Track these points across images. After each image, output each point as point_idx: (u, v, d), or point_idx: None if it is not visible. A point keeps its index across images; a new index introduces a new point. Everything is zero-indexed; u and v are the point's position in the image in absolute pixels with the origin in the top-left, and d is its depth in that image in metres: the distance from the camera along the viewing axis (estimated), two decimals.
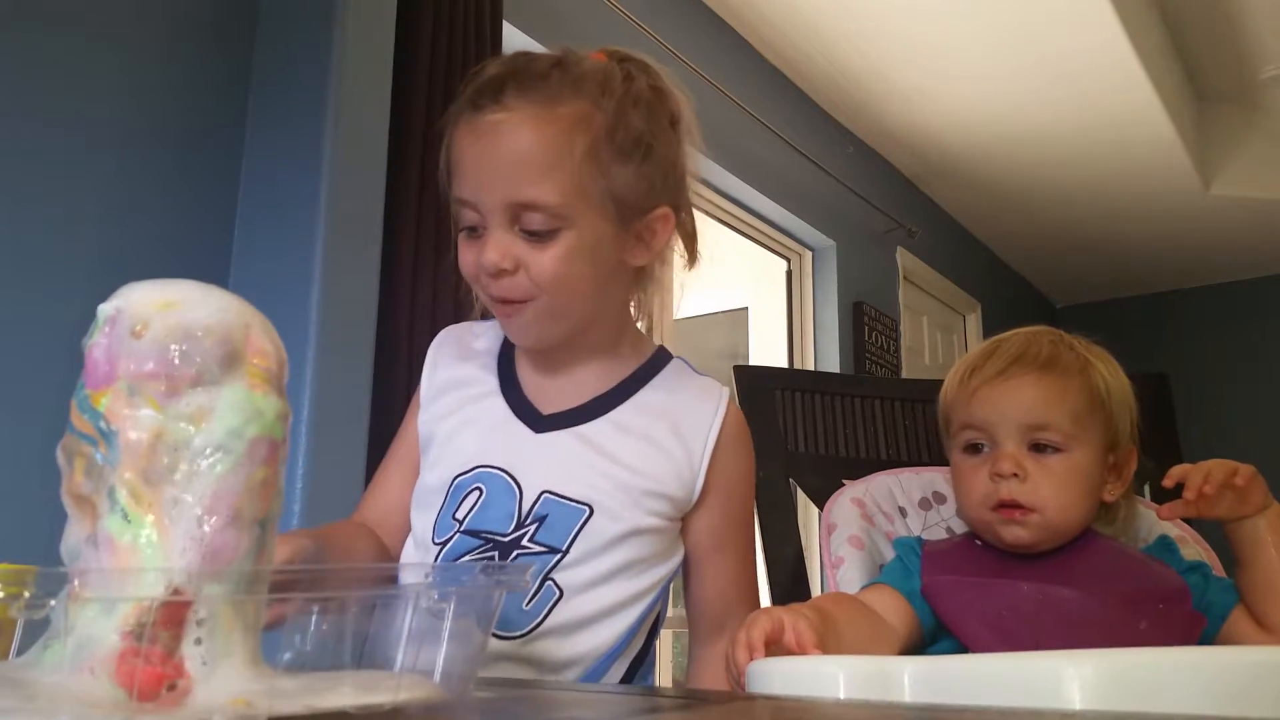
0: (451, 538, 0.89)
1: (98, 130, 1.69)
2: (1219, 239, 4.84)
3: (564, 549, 0.88)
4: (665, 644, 2.99)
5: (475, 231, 0.88)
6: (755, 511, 1.02)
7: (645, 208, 0.91)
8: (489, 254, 0.85)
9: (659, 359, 0.99)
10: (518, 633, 0.86)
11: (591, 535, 0.88)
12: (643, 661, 0.94)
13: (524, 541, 0.88)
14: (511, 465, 0.90)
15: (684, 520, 0.94)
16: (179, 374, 0.46)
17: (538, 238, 0.85)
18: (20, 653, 0.44)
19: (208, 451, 0.46)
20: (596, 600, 0.88)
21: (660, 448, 0.92)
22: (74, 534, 0.46)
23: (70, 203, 1.65)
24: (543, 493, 0.89)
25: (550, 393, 0.94)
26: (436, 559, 0.89)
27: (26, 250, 1.58)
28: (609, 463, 0.90)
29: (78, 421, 0.46)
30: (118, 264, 1.68)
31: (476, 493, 0.90)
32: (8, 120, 1.57)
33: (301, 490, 1.68)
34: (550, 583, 0.87)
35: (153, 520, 0.45)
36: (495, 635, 0.86)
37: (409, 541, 0.96)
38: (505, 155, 0.85)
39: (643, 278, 0.97)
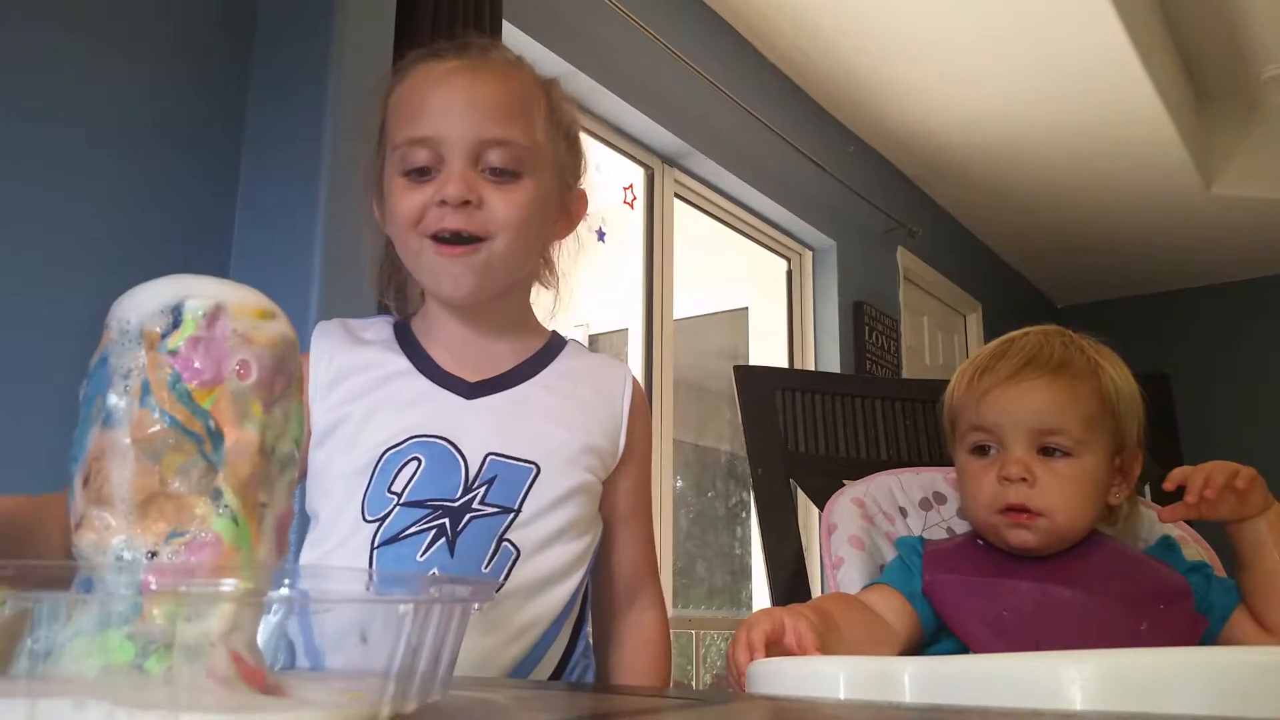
0: (390, 511, 0.87)
1: (98, 128, 1.69)
2: (1219, 239, 4.84)
3: (516, 508, 0.88)
4: None
5: (424, 174, 0.88)
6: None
7: (572, 184, 0.96)
8: (453, 186, 0.86)
9: (559, 339, 1.01)
10: None
11: (540, 493, 0.89)
12: (582, 625, 0.96)
13: (474, 504, 0.87)
14: (449, 432, 0.89)
15: (605, 484, 0.96)
16: (277, 384, 0.48)
17: (500, 178, 0.87)
18: (12, 654, 0.43)
19: (284, 460, 0.48)
20: (550, 560, 0.89)
21: (587, 406, 0.95)
22: (119, 529, 0.45)
23: (70, 201, 1.65)
24: (488, 455, 0.88)
25: (470, 366, 0.94)
26: (374, 537, 0.86)
27: (27, 248, 1.58)
28: (545, 421, 0.92)
29: (179, 415, 0.45)
30: (118, 262, 1.68)
31: (415, 463, 0.88)
32: (8, 118, 1.57)
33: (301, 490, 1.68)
34: (507, 543, 0.87)
35: (253, 524, 0.46)
36: None
37: (309, 539, 0.92)
38: (479, 94, 0.88)
39: (550, 255, 0.99)
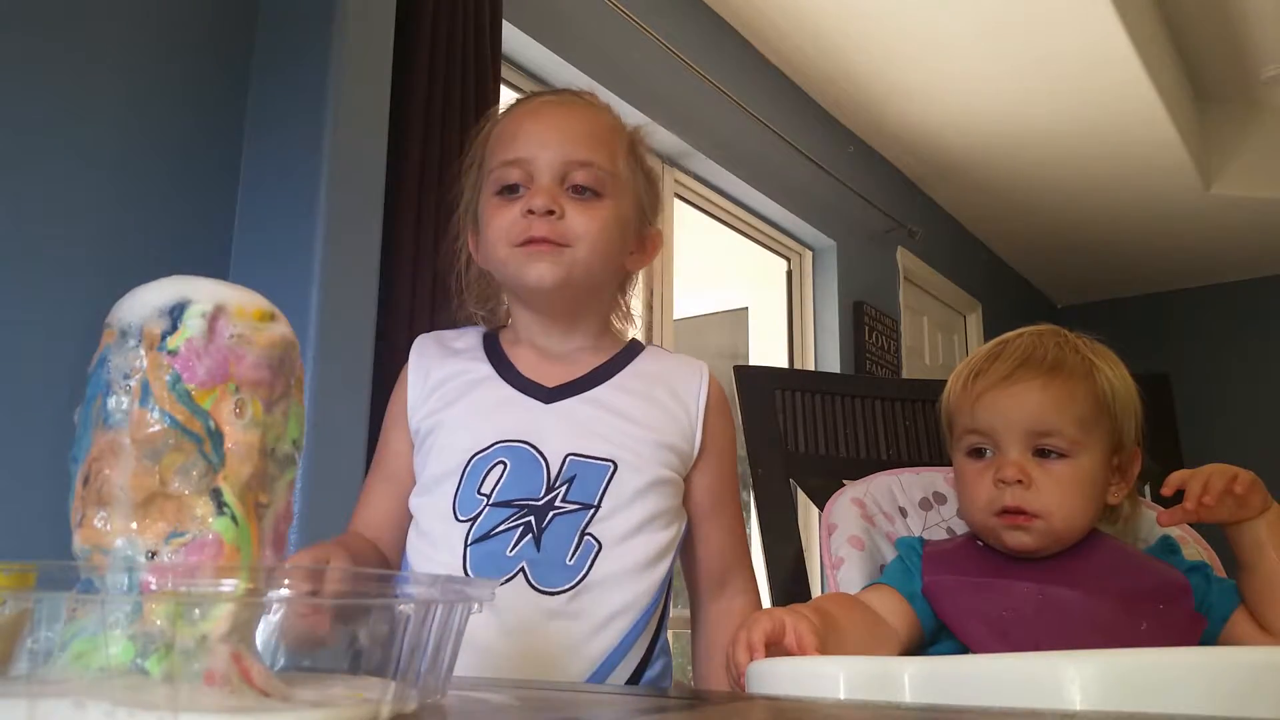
0: (481, 512, 0.93)
1: (98, 130, 1.70)
2: (1219, 239, 4.84)
3: (596, 504, 0.94)
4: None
5: (514, 191, 0.97)
6: (738, 480, 1.07)
7: (649, 220, 1.05)
8: (539, 198, 0.95)
9: (636, 344, 1.07)
10: (562, 588, 0.91)
11: (619, 488, 0.94)
12: (664, 620, 1.00)
13: (557, 502, 0.93)
14: (530, 435, 0.95)
15: (685, 481, 1.01)
16: (277, 384, 0.48)
17: (583, 196, 0.97)
18: (12, 654, 0.43)
19: (284, 460, 0.49)
20: (633, 552, 0.94)
21: (662, 406, 1.00)
22: (119, 529, 0.45)
23: (71, 203, 1.65)
24: (567, 455, 0.94)
25: (548, 371, 1.00)
26: (468, 535, 0.93)
27: (27, 250, 1.58)
28: (622, 420, 0.97)
29: (180, 415, 0.45)
30: (118, 263, 1.68)
31: (501, 466, 0.94)
32: (8, 120, 1.57)
33: (301, 490, 1.68)
34: (589, 537, 0.93)
35: (253, 524, 0.46)
36: (542, 592, 0.91)
37: (413, 533, 0.99)
38: (568, 122, 1.00)
39: (627, 285, 1.07)
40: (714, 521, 1.02)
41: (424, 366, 1.02)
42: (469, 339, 1.05)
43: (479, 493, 0.94)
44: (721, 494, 1.03)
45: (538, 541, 0.92)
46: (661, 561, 0.96)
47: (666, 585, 0.98)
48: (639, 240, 1.04)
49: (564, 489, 0.94)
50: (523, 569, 0.91)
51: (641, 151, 1.05)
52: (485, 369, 1.00)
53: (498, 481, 0.94)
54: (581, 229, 0.95)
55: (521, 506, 0.93)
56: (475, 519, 0.93)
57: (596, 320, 1.03)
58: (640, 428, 0.97)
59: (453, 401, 0.99)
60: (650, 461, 0.96)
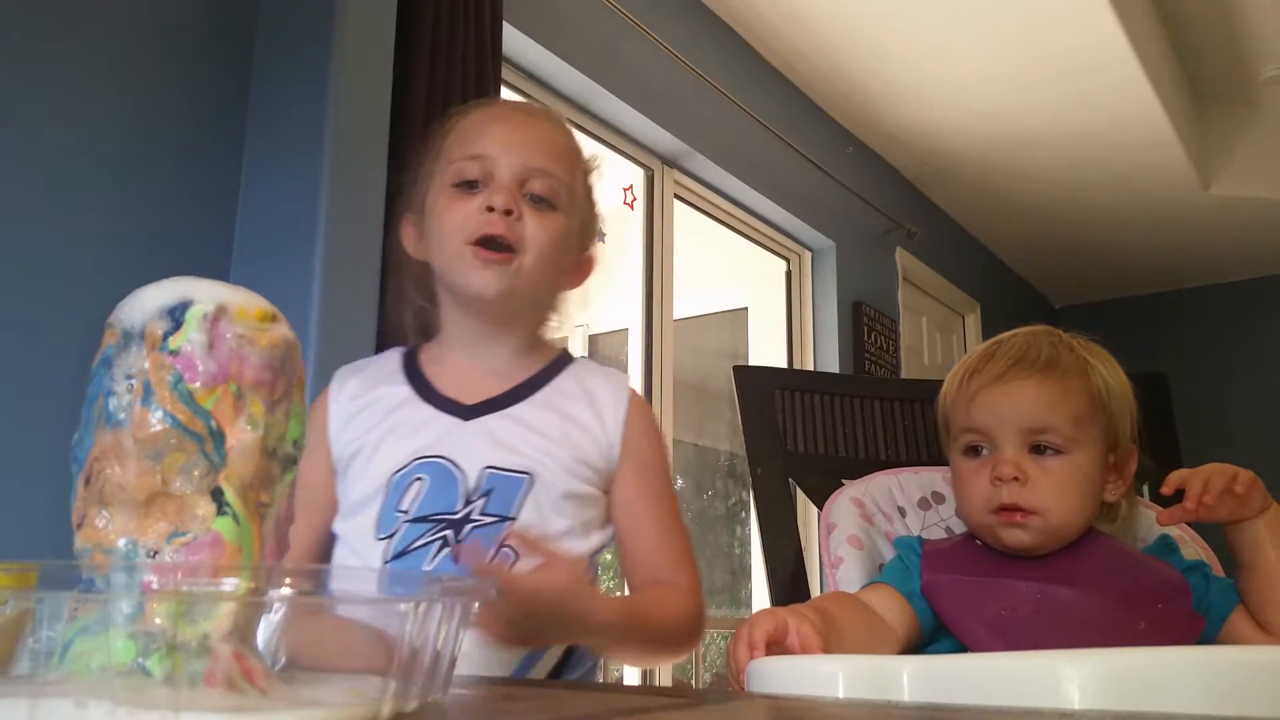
0: (398, 529, 0.95)
1: (98, 131, 1.70)
2: (1218, 239, 4.84)
3: (513, 515, 0.94)
4: None
5: (473, 187, 0.98)
6: (672, 488, 1.07)
7: (587, 243, 1.07)
8: (500, 196, 0.96)
9: (566, 356, 1.07)
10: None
11: (536, 499, 0.95)
12: None
13: (474, 515, 0.94)
14: (448, 451, 0.96)
15: (608, 494, 1.02)
16: (278, 385, 0.48)
17: (540, 206, 0.98)
18: (14, 653, 0.43)
19: (285, 460, 0.49)
20: None
21: (580, 424, 1.00)
22: (121, 528, 0.45)
23: (71, 203, 1.65)
24: (485, 468, 0.95)
25: (470, 389, 1.01)
26: (386, 552, 0.94)
27: (27, 251, 1.58)
28: (539, 437, 0.98)
29: (181, 415, 0.46)
30: (119, 264, 1.68)
31: (419, 482, 0.95)
32: (8, 120, 1.58)
33: None
34: (506, 549, 0.93)
35: (254, 524, 0.46)
36: None
37: (343, 554, 0.99)
38: (533, 131, 1.01)
39: (559, 303, 1.08)
40: (636, 532, 1.02)
41: (343, 394, 1.03)
42: (389, 363, 1.06)
43: (398, 510, 0.95)
44: (646, 506, 1.02)
45: (455, 555, 0.93)
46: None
47: None
48: (576, 261, 1.06)
49: (481, 502, 0.94)
50: None
51: (593, 179, 1.08)
52: (404, 391, 1.01)
53: (416, 497, 0.95)
54: (533, 236, 0.97)
55: (439, 521, 0.94)
56: (393, 535, 0.94)
57: (526, 332, 1.04)
58: (556, 444, 0.98)
59: (373, 426, 1.00)
60: (567, 474, 0.97)
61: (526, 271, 0.97)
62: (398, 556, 0.93)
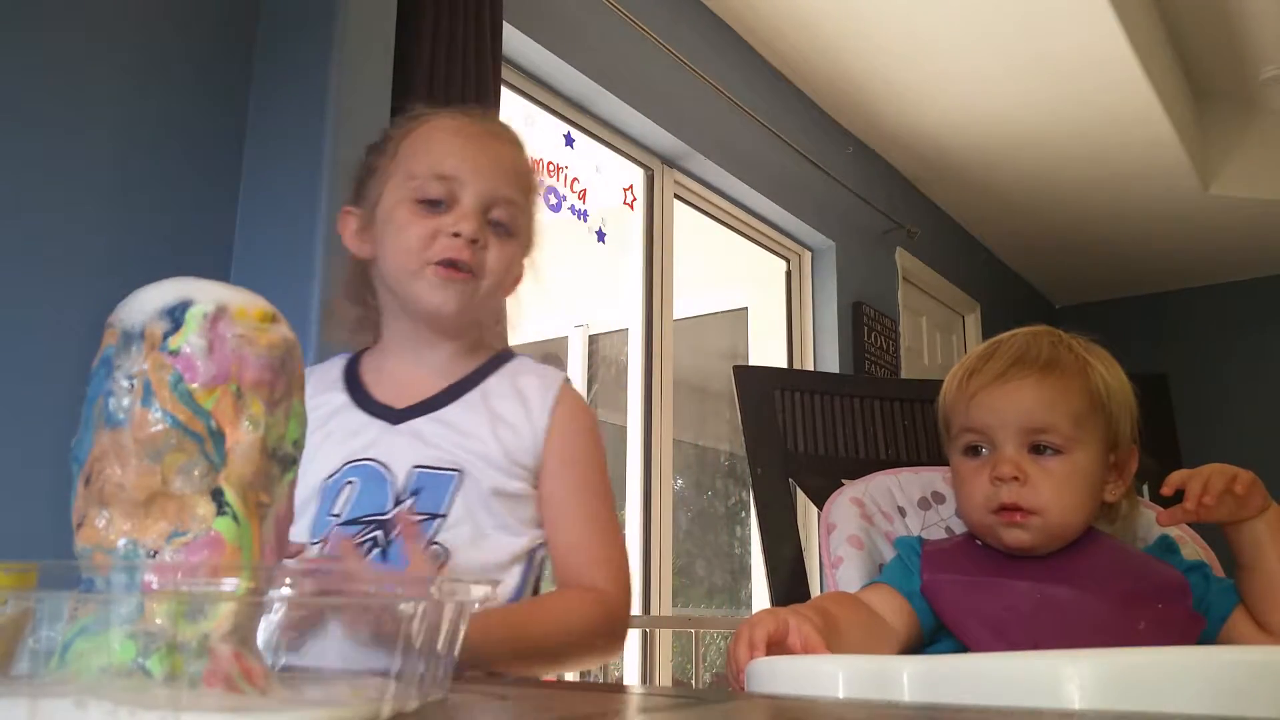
0: (330, 533, 0.95)
1: (99, 131, 1.70)
2: (1218, 239, 4.84)
3: (444, 511, 0.95)
4: (665, 643, 2.99)
5: (435, 206, 0.99)
6: (605, 485, 1.06)
7: (526, 252, 1.09)
8: (468, 224, 0.98)
9: (505, 354, 1.09)
10: None
11: (466, 495, 0.96)
12: None
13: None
14: (379, 455, 0.97)
15: (540, 491, 1.02)
16: (279, 385, 0.48)
17: (500, 231, 1.01)
18: (14, 653, 0.43)
19: (285, 461, 0.49)
20: (480, 557, 0.96)
21: (508, 422, 1.01)
22: (121, 528, 0.45)
23: (71, 203, 1.65)
24: (414, 467, 0.97)
25: (404, 392, 1.02)
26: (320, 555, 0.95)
27: (29, 251, 1.58)
28: (467, 438, 0.99)
29: (181, 415, 0.46)
30: (119, 264, 1.68)
31: (349, 486, 0.97)
32: (9, 121, 1.57)
33: None
34: (436, 545, 0.94)
35: (254, 524, 0.46)
36: None
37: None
38: (503, 156, 1.03)
39: (500, 310, 1.11)
40: (557, 529, 1.02)
41: None
42: (332, 371, 1.07)
43: (330, 514, 0.96)
44: (568, 503, 1.02)
45: (384, 554, 0.93)
46: (513, 568, 0.98)
47: (522, 592, 0.99)
48: (516, 275, 1.08)
49: (411, 500, 0.95)
50: None
51: (539, 194, 1.10)
52: (341, 399, 1.03)
53: (347, 500, 0.96)
54: (493, 264, 1.00)
55: (369, 522, 0.95)
56: (323, 542, 0.95)
57: (468, 342, 1.05)
58: (485, 443, 0.98)
59: (311, 433, 1.00)
60: (495, 473, 0.98)
61: (483, 294, 1.00)
62: (330, 559, 0.94)
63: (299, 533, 0.95)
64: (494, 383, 1.04)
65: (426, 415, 1.00)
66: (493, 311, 1.07)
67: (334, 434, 1.00)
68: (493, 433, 0.99)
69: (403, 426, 0.99)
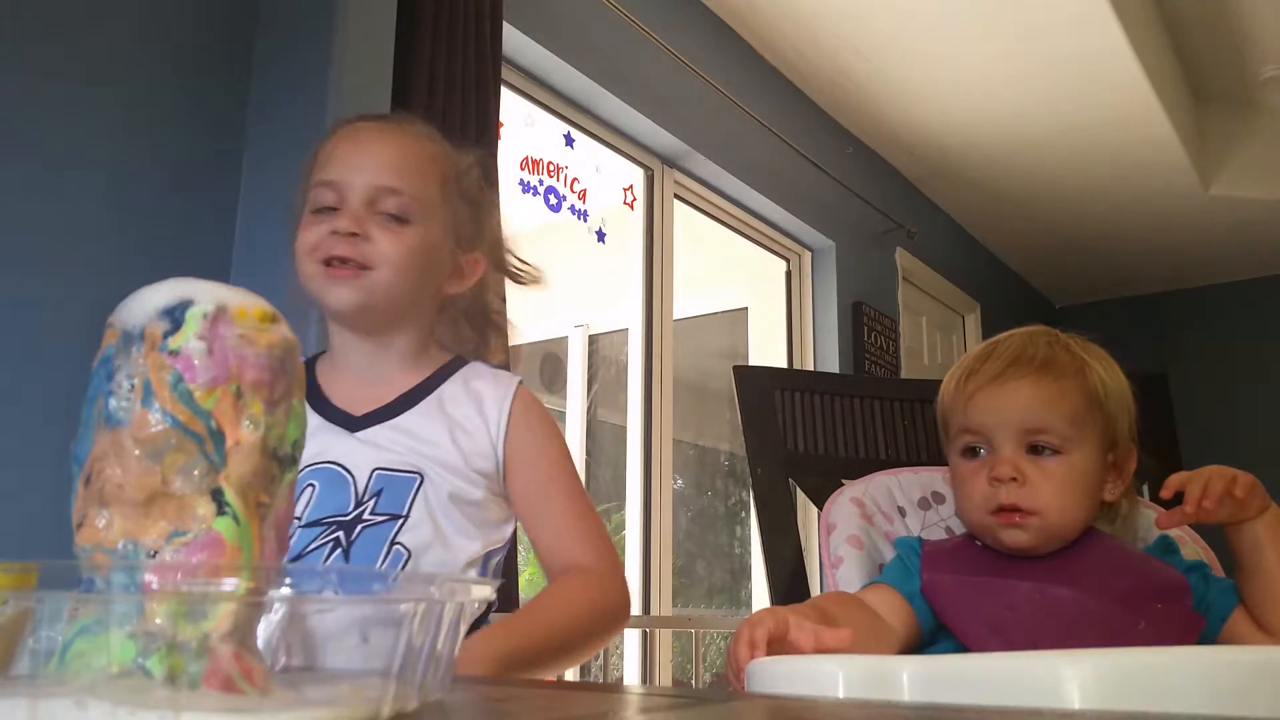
0: (292, 535, 0.95)
1: (98, 131, 1.70)
2: (1219, 239, 4.84)
3: (405, 513, 0.96)
4: (665, 643, 2.99)
5: (328, 212, 1.00)
6: (572, 472, 1.06)
7: (468, 247, 1.08)
8: (344, 219, 0.99)
9: (457, 362, 1.09)
10: None
11: (427, 497, 0.97)
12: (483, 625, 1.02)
13: (365, 515, 0.96)
14: (339, 458, 0.98)
15: (508, 491, 1.04)
16: (279, 385, 0.48)
17: (391, 222, 1.00)
18: (14, 654, 0.43)
19: (285, 461, 0.49)
20: (442, 557, 0.97)
21: (465, 429, 1.02)
22: (121, 529, 0.45)
23: (71, 204, 1.65)
24: (374, 470, 0.98)
25: (358, 399, 1.03)
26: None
27: (28, 251, 1.58)
28: (426, 445, 1.00)
29: (181, 415, 0.45)
30: (118, 264, 1.68)
31: (310, 489, 0.97)
32: (9, 120, 1.58)
33: None
34: (399, 546, 0.96)
35: (254, 524, 0.46)
36: None
37: None
38: (382, 151, 1.03)
39: (449, 309, 1.10)
40: (538, 527, 1.04)
41: None
42: None
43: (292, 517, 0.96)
44: (539, 498, 1.03)
45: (347, 554, 0.94)
46: (469, 572, 0.99)
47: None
48: (454, 265, 1.07)
49: (373, 502, 0.96)
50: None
51: (465, 183, 1.08)
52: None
53: (308, 503, 0.96)
54: (383, 252, 0.99)
55: (330, 523, 0.96)
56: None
57: (409, 342, 1.05)
58: (443, 450, 1.00)
59: None
60: (453, 478, 0.99)
61: (382, 285, 0.99)
62: (292, 561, 0.94)
63: None
64: (449, 389, 1.04)
65: (384, 423, 1.01)
66: (419, 305, 1.05)
67: None
68: (451, 439, 1.00)
69: (361, 434, 1.00)
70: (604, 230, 3.13)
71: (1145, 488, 1.21)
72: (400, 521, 0.96)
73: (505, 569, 1.12)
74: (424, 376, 1.05)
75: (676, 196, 3.22)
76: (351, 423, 1.01)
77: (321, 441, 0.99)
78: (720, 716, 0.47)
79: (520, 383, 1.06)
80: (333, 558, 0.94)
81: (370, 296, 0.99)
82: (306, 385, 1.02)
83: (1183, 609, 0.94)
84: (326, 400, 1.03)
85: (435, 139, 1.09)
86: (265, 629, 0.46)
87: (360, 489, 0.97)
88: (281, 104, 1.91)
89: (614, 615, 1.00)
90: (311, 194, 1.02)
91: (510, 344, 1.19)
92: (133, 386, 0.46)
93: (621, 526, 3.11)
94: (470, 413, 1.03)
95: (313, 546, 0.95)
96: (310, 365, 1.07)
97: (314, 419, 1.00)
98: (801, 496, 1.26)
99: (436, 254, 1.04)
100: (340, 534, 0.95)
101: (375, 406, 1.02)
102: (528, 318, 1.16)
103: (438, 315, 1.09)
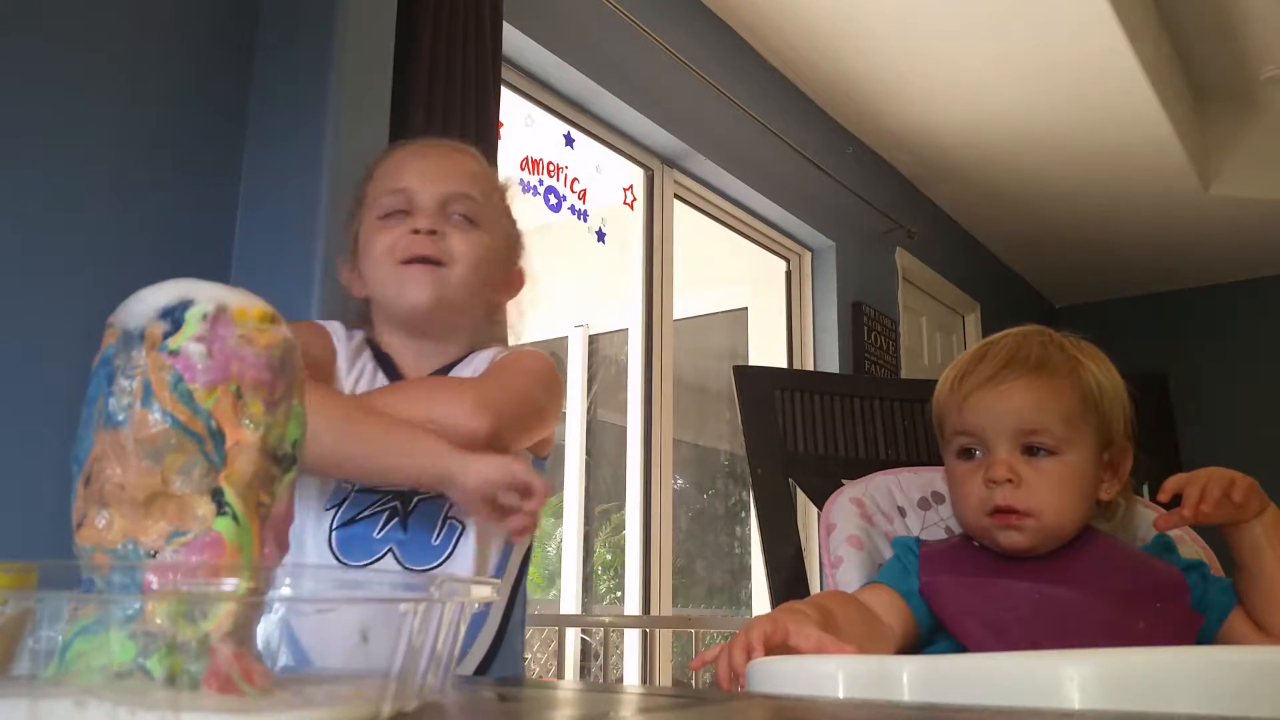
0: (346, 498, 1.00)
1: (99, 131, 1.70)
2: (1218, 239, 4.84)
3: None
4: (665, 643, 2.99)
5: (397, 217, 1.05)
6: (524, 387, 1.06)
7: (514, 259, 1.16)
8: (423, 219, 1.04)
9: (491, 346, 1.13)
10: (430, 565, 0.98)
11: None
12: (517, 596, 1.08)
13: (420, 490, 1.00)
14: None
15: None
16: (279, 385, 0.48)
17: (463, 224, 1.06)
18: (13, 653, 0.43)
19: (285, 461, 0.49)
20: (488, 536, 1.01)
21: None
22: (121, 529, 0.45)
23: (72, 203, 1.65)
24: None
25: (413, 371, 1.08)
26: (334, 520, 0.99)
27: (28, 251, 1.58)
28: None
29: (181, 415, 0.46)
30: (119, 264, 1.68)
31: None
32: (9, 121, 1.58)
33: None
34: (453, 520, 1.00)
35: (254, 524, 0.46)
36: (411, 570, 0.97)
37: None
38: (449, 163, 1.11)
39: (493, 315, 1.16)
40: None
41: (340, 339, 1.09)
42: (360, 339, 1.11)
43: (341, 484, 1.00)
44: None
45: (404, 524, 0.99)
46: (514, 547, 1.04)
47: (502, 569, 1.04)
48: (505, 276, 1.14)
49: None
50: (391, 549, 0.98)
51: (509, 202, 1.16)
52: (372, 367, 1.08)
53: None
54: (459, 250, 1.05)
55: (386, 493, 1.00)
56: (340, 505, 1.00)
57: (460, 349, 1.10)
58: None
59: (359, 391, 1.06)
60: None
61: (457, 281, 1.05)
62: (346, 525, 0.99)
63: (311, 495, 1.00)
64: (462, 368, 1.09)
65: None
66: (478, 309, 1.10)
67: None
68: None
69: None
70: (604, 230, 3.13)
71: (1145, 488, 1.21)
72: (448, 502, 0.99)
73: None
74: (446, 362, 1.10)
75: (676, 196, 3.22)
76: None
77: None
78: (720, 716, 0.47)
79: (523, 350, 1.11)
80: (390, 526, 0.99)
81: (445, 290, 1.04)
82: (381, 358, 1.08)
83: (1181, 607, 0.94)
84: (399, 373, 1.07)
85: (485, 162, 1.16)
86: (265, 629, 0.46)
87: None
88: (282, 104, 1.91)
89: (446, 413, 0.97)
90: (380, 202, 1.07)
91: (510, 344, 1.21)
92: (132, 386, 0.46)
93: (621, 526, 3.11)
94: (476, 365, 1.07)
95: (368, 512, 0.99)
96: (376, 341, 1.11)
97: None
98: (801, 496, 1.26)
99: (496, 259, 1.10)
100: (397, 503, 0.99)
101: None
102: (527, 318, 1.20)
103: (488, 317, 1.14)
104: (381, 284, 1.06)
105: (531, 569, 1.13)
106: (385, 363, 1.09)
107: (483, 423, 0.96)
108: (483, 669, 1.01)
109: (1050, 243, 5.01)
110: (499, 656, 1.03)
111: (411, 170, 1.08)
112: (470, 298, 1.08)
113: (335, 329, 1.10)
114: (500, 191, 1.15)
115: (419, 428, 0.94)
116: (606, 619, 3.13)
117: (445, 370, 1.08)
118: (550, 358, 1.11)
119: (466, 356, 1.10)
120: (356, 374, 1.06)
